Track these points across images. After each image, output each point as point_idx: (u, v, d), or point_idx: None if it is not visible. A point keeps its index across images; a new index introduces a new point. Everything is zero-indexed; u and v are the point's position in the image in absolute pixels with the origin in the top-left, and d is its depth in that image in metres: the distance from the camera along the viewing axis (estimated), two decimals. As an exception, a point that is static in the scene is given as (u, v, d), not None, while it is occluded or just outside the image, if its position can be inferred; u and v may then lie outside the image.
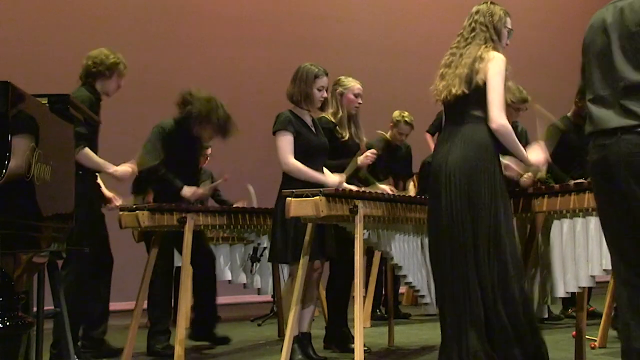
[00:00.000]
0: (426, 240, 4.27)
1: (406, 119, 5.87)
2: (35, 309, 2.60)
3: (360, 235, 3.58)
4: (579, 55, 2.72)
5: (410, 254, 4.18)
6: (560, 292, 3.55)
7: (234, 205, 5.55)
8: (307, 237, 3.76)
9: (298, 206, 3.54)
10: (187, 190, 4.52)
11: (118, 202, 4.55)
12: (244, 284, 5.22)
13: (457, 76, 3.35)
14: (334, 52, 8.06)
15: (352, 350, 4.28)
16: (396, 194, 4.39)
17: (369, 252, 5.67)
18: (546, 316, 4.59)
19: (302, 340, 4.03)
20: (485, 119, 3.31)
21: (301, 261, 3.75)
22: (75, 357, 3.90)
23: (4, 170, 2.01)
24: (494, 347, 3.23)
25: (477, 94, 3.31)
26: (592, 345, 4.33)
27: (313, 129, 4.19)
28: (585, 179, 4.24)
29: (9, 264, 2.13)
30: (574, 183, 3.57)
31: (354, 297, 3.77)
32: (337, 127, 4.54)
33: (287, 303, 4.04)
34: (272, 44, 8.21)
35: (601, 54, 2.56)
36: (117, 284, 4.50)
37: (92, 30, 7.13)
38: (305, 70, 4.12)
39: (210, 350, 4.81)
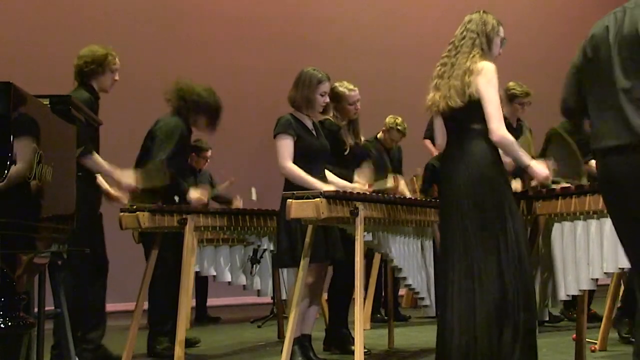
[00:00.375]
0: (426, 243, 4.29)
1: (399, 127, 5.89)
2: (36, 309, 2.60)
3: (360, 237, 3.57)
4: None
5: (410, 256, 4.18)
6: (561, 295, 3.55)
7: (232, 201, 5.54)
8: (307, 239, 3.76)
9: (298, 208, 3.54)
10: (194, 194, 4.51)
11: (125, 200, 4.53)
12: (244, 285, 5.21)
13: (452, 88, 3.37)
14: (334, 54, 8.07)
15: (352, 352, 4.30)
16: (397, 196, 4.39)
17: (368, 254, 5.66)
18: (547, 319, 4.58)
19: (303, 342, 4.03)
20: (485, 131, 3.33)
21: (302, 263, 3.75)
22: (76, 358, 3.91)
23: (5, 171, 2.01)
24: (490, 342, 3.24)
25: (473, 106, 3.33)
26: (592, 348, 4.33)
27: (314, 132, 4.19)
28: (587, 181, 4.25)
29: (10, 264, 2.13)
30: (575, 186, 3.57)
31: (354, 299, 3.77)
32: (341, 130, 4.56)
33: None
34: (272, 45, 8.22)
35: (603, 66, 2.55)
36: (117, 285, 4.51)
37: (92, 31, 7.12)
38: (309, 75, 4.11)
39: (210, 352, 4.81)
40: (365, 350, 4.08)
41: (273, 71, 7.67)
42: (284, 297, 5.35)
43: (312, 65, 4.27)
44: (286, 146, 4.00)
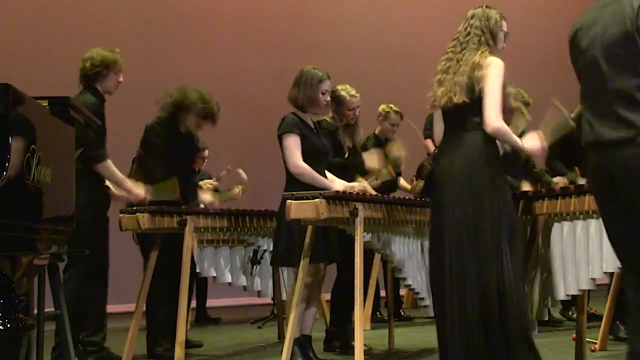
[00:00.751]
0: (426, 243, 4.27)
1: (394, 108, 5.84)
2: (35, 310, 2.60)
3: (360, 237, 3.58)
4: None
5: (410, 257, 4.18)
6: (561, 295, 3.55)
7: (233, 192, 5.54)
8: (307, 240, 3.76)
9: (298, 208, 3.54)
10: (206, 198, 4.54)
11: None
12: (244, 286, 5.21)
13: (457, 84, 3.33)
14: (334, 54, 8.07)
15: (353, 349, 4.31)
16: (396, 197, 4.39)
17: (369, 255, 5.66)
18: (546, 319, 4.59)
19: (303, 342, 4.03)
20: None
21: (301, 263, 3.75)
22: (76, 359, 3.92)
23: (4, 173, 2.01)
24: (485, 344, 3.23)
25: (478, 103, 3.30)
26: (593, 348, 4.32)
27: (315, 131, 4.20)
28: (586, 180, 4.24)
29: (10, 266, 2.13)
30: (575, 186, 3.57)
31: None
32: (338, 130, 4.56)
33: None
34: (272, 45, 8.22)
35: (590, 63, 2.55)
36: (117, 287, 4.51)
37: (92, 32, 7.12)
38: (310, 74, 4.11)
39: (211, 353, 4.82)
40: (365, 348, 4.09)
41: (273, 71, 7.67)
42: (284, 297, 5.35)
43: (312, 65, 4.26)
44: (296, 145, 3.99)
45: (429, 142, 6.85)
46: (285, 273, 5.24)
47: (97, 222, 4.17)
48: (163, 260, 4.41)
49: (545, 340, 4.63)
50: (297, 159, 3.98)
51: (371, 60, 8.46)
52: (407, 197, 4.39)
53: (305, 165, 3.98)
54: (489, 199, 3.25)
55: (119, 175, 4.23)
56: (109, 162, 4.16)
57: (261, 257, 4.99)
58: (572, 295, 3.59)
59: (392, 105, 5.86)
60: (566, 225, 3.53)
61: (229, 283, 5.15)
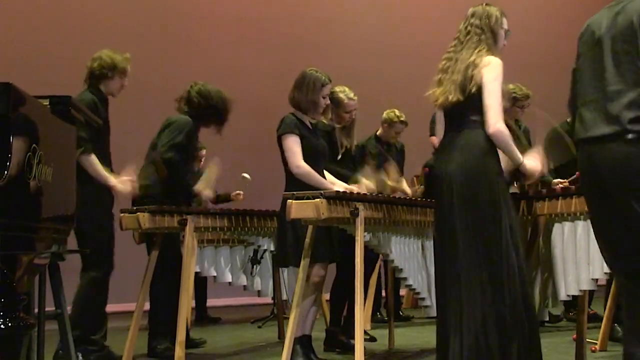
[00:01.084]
0: (427, 243, 4.28)
1: (401, 118, 5.85)
2: (36, 310, 2.60)
3: (361, 237, 3.57)
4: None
5: (410, 257, 4.18)
6: (562, 295, 3.55)
7: (232, 194, 5.55)
8: (307, 240, 3.76)
9: (299, 208, 3.54)
10: (204, 191, 4.59)
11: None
12: (244, 286, 5.21)
13: (453, 83, 3.33)
14: (334, 54, 8.07)
15: (351, 353, 4.31)
16: (397, 197, 4.39)
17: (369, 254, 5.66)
18: (547, 319, 4.58)
19: (303, 342, 4.03)
20: (482, 123, 3.28)
21: (302, 263, 3.75)
22: (80, 356, 3.92)
23: (5, 172, 2.01)
24: (492, 346, 3.21)
25: (472, 101, 3.28)
26: (593, 349, 4.32)
27: (314, 132, 4.20)
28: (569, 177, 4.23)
29: (11, 265, 2.13)
30: (575, 186, 3.57)
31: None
32: (335, 131, 4.57)
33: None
34: (272, 46, 8.22)
35: (594, 58, 2.56)
36: (117, 286, 4.50)
37: (92, 32, 7.14)
38: (313, 78, 4.11)
39: (211, 352, 4.82)
40: (367, 337, 4.06)
41: (273, 71, 7.67)
42: (284, 297, 5.35)
43: (312, 65, 4.27)
44: (296, 145, 4.00)
45: (433, 139, 6.85)
46: (285, 273, 5.24)
47: (105, 221, 4.17)
48: (166, 259, 4.41)
49: (545, 341, 4.61)
50: (299, 159, 3.98)
51: (371, 60, 8.46)
52: (407, 197, 4.39)
53: (307, 166, 3.98)
54: (487, 198, 3.24)
55: (102, 171, 4.18)
56: (93, 156, 4.12)
57: (261, 257, 4.98)
58: (573, 296, 3.59)
59: (398, 114, 5.84)
60: (567, 225, 3.52)
61: (229, 283, 5.15)
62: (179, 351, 4.09)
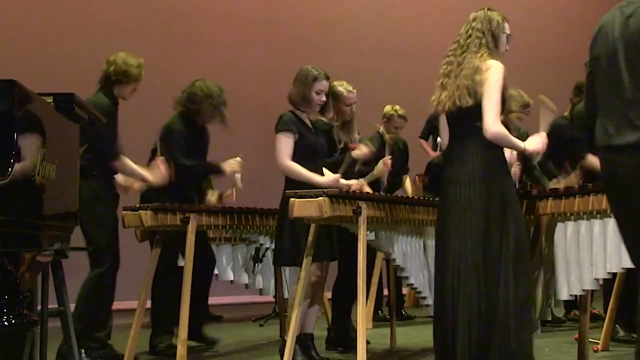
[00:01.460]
0: (429, 242, 4.28)
1: (399, 112, 5.85)
2: (39, 307, 2.60)
3: (363, 236, 3.57)
4: (579, 59, 2.71)
5: (412, 256, 4.18)
6: (564, 295, 3.55)
7: (224, 195, 5.55)
8: (310, 238, 3.76)
9: (301, 207, 3.53)
10: (228, 165, 4.69)
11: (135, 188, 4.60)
12: (246, 284, 5.21)
13: (459, 87, 3.33)
14: (334, 54, 8.05)
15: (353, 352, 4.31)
16: (399, 195, 4.39)
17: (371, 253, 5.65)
18: (549, 319, 4.58)
19: (305, 340, 4.03)
20: None
21: (304, 262, 3.75)
22: (83, 352, 3.92)
23: (9, 169, 2.01)
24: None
25: (480, 105, 3.30)
26: (595, 349, 4.32)
27: (313, 130, 4.19)
28: (581, 179, 4.24)
29: (14, 262, 2.13)
30: (579, 186, 3.57)
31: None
32: (333, 129, 4.56)
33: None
34: (273, 45, 8.20)
35: (609, 64, 2.54)
36: (119, 284, 4.50)
37: (93, 31, 7.13)
38: (305, 72, 4.11)
39: (212, 350, 4.82)
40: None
41: (273, 71, 7.65)
42: (286, 295, 5.35)
43: (312, 64, 4.25)
44: (286, 144, 4.00)
45: (423, 142, 6.88)
46: (287, 271, 5.24)
47: (108, 218, 4.20)
48: (169, 257, 4.42)
49: (547, 340, 4.64)
50: (284, 157, 3.99)
51: (371, 60, 8.45)
52: (410, 196, 4.39)
53: (291, 164, 3.99)
54: (496, 205, 3.26)
55: (136, 168, 4.34)
56: (126, 159, 4.27)
57: (263, 255, 4.98)
58: (575, 296, 3.59)
59: (397, 108, 5.84)
60: (570, 225, 3.52)
61: (231, 281, 5.15)
62: (181, 349, 4.09)
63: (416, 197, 4.47)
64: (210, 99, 4.68)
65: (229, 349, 4.86)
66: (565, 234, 3.54)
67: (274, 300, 5.95)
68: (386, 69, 8.55)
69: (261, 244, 4.88)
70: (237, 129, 7.26)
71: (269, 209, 4.67)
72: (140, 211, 4.11)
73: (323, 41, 8.38)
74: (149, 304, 4.57)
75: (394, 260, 4.07)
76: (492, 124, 3.24)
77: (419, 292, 4.30)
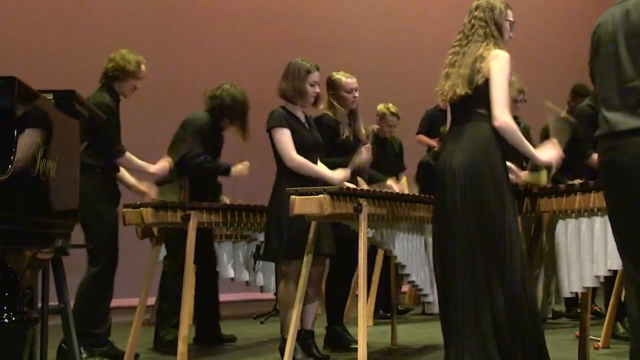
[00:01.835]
0: (429, 239, 4.27)
1: (392, 110, 5.85)
2: (39, 304, 2.60)
3: (364, 233, 3.57)
4: (582, 56, 2.71)
5: (413, 253, 4.17)
6: (565, 292, 3.54)
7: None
8: (311, 235, 3.76)
9: (302, 204, 3.53)
10: (237, 169, 4.68)
11: (152, 193, 4.57)
12: (247, 281, 5.22)
13: (460, 76, 3.33)
14: (334, 52, 8.03)
15: (350, 349, 4.33)
16: (400, 193, 4.38)
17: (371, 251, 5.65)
18: (550, 316, 4.58)
19: (305, 338, 4.02)
20: (489, 116, 3.28)
21: (305, 259, 3.75)
22: (82, 349, 3.92)
23: (9, 166, 2.01)
24: (498, 346, 3.21)
25: (479, 93, 3.28)
26: (596, 346, 4.32)
27: (306, 125, 4.17)
28: (581, 178, 4.23)
29: (14, 259, 2.13)
30: (580, 183, 3.56)
31: (357, 295, 3.76)
32: (340, 125, 4.53)
33: (284, 304, 4.03)
34: (273, 44, 8.19)
35: (609, 55, 2.56)
36: (120, 281, 4.50)
37: (94, 29, 7.14)
38: (297, 66, 4.10)
39: (213, 348, 4.81)
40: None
41: (273, 69, 7.59)
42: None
43: (301, 58, 4.24)
44: (287, 137, 3.98)
45: (421, 137, 6.86)
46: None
47: (109, 215, 4.20)
48: (176, 253, 4.42)
49: (548, 338, 4.59)
50: (291, 152, 3.97)
51: (371, 58, 8.44)
52: (410, 194, 4.38)
53: (300, 158, 3.97)
54: (491, 193, 3.23)
55: (140, 163, 4.37)
56: (128, 153, 4.28)
57: (264, 253, 4.98)
58: (575, 293, 3.58)
59: (389, 106, 5.85)
60: (571, 222, 3.51)
61: (232, 278, 5.16)
62: (182, 347, 4.09)
63: (417, 195, 4.46)
64: (235, 109, 4.78)
65: (230, 346, 4.86)
66: (566, 231, 3.53)
67: (274, 297, 5.94)
68: (386, 66, 8.55)
69: (262, 242, 4.88)
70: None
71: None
72: (141, 208, 4.11)
73: (325, 40, 8.37)
74: (149, 302, 4.58)
75: (395, 257, 4.07)
76: (501, 112, 3.22)
77: (420, 290, 4.30)
